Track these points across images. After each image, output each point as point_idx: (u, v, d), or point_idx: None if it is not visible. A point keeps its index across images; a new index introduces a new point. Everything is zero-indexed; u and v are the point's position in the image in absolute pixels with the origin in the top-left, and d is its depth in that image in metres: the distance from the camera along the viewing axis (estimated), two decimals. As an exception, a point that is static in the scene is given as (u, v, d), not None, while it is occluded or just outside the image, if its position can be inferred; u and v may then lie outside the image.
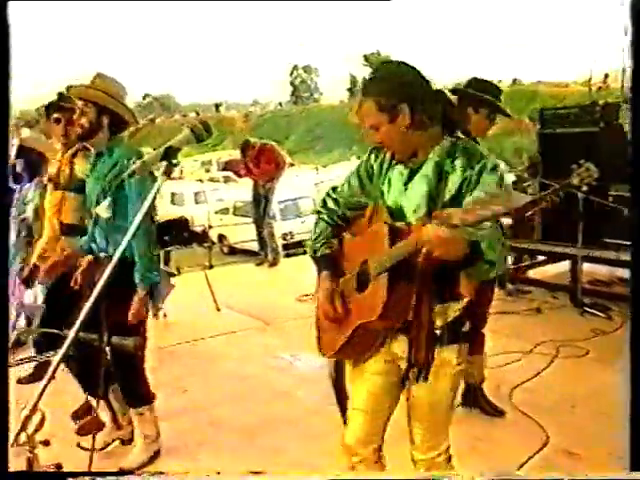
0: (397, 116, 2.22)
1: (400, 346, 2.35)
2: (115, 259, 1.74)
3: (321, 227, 2.58)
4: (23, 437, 1.76)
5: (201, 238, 7.32)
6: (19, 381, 4.79)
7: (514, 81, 53.69)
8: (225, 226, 14.20)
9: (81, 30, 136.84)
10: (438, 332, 2.30)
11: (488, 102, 3.90)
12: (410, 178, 2.34)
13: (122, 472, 3.60)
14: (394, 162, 2.38)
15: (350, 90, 62.44)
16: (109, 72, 3.62)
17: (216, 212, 15.81)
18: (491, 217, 1.86)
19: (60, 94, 4.19)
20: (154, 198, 1.77)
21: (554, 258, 7.00)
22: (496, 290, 6.47)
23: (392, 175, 2.39)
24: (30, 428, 1.78)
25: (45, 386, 1.76)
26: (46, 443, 1.99)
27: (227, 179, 24.47)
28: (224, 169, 27.30)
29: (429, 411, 2.40)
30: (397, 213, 2.35)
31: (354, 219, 2.55)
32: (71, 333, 1.78)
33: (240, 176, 10.36)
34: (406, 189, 2.35)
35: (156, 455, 3.77)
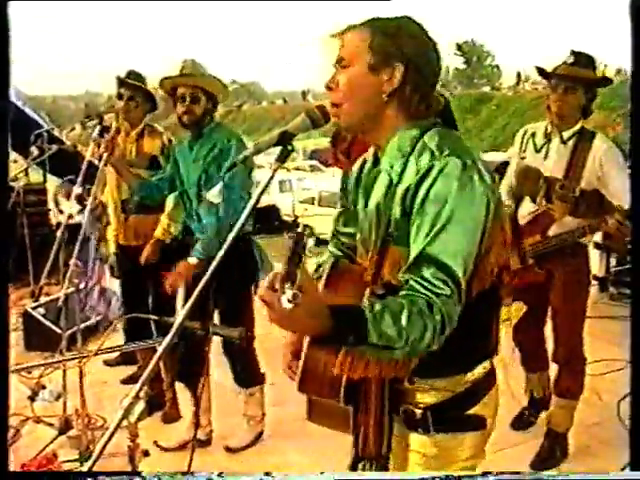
0: (382, 73, 1.64)
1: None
2: (229, 240, 1.65)
3: (325, 256, 2.08)
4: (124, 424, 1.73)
5: (292, 228, 7.27)
6: (106, 363, 4.89)
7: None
8: (310, 217, 14.20)
9: (168, 16, 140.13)
10: (418, 413, 1.74)
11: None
12: (373, 181, 1.77)
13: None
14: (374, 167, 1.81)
15: (441, 80, 61.73)
16: (197, 58, 3.61)
17: (301, 201, 15.83)
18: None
19: (129, 74, 4.22)
20: (267, 184, 1.67)
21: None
22: (597, 294, 6.27)
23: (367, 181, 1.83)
24: (132, 417, 1.73)
25: (149, 374, 1.70)
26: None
27: (313, 168, 24.53)
28: (311, 158, 27.42)
29: None
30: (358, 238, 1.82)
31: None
32: (177, 320, 1.70)
33: (327, 165, 10.33)
34: (367, 201, 1.78)
35: (260, 436, 3.87)
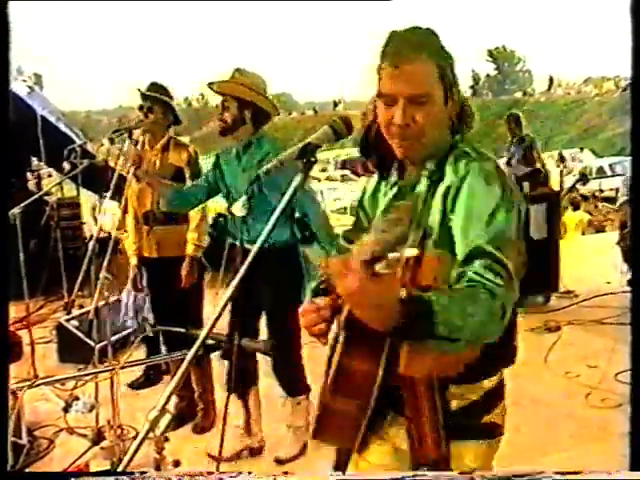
0: (449, 102, 1.69)
1: (400, 433, 1.74)
2: (253, 252, 1.64)
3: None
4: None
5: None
6: (130, 385, 4.80)
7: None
8: (343, 226, 14.09)
9: (202, 30, 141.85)
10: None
11: None
12: (411, 190, 1.76)
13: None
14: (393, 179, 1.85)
15: (473, 88, 61.23)
16: (228, 70, 3.59)
17: (333, 211, 15.80)
18: (395, 241, 1.41)
19: (150, 85, 4.19)
20: (293, 195, 1.66)
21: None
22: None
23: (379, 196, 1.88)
24: (158, 430, 1.73)
25: (175, 387, 1.70)
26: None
27: (344, 178, 24.43)
28: (342, 168, 27.45)
29: None
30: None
31: None
32: (203, 333, 1.70)
33: (359, 175, 10.34)
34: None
35: (306, 446, 3.75)
